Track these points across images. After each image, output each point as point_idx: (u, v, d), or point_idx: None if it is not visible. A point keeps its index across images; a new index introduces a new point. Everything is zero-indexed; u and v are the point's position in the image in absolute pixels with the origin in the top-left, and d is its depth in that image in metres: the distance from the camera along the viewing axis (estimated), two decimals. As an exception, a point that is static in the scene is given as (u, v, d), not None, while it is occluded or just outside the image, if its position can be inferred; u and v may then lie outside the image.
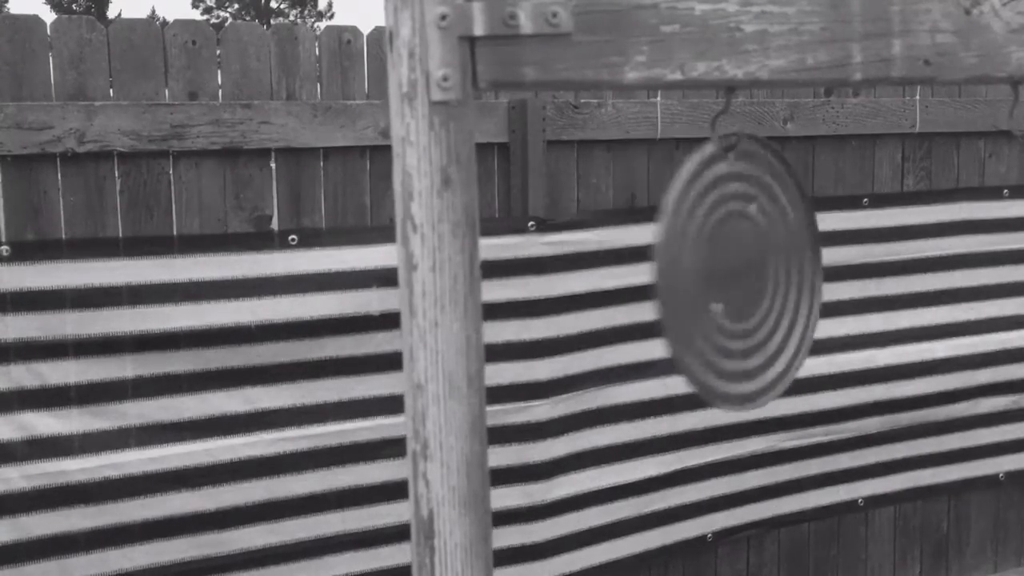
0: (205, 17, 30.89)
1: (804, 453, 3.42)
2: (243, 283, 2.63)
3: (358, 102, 2.83)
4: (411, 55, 0.97)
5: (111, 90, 2.61)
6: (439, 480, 1.00)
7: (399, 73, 0.97)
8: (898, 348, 3.47)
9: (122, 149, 2.58)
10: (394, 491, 2.77)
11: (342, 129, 2.80)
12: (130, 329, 2.54)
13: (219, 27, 2.75)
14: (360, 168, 2.87)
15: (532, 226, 2.92)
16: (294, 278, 2.67)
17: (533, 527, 3.00)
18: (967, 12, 1.09)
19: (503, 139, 3.00)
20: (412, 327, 1.00)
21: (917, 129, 3.57)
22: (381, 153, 2.87)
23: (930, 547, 3.81)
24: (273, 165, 2.76)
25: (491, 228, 2.85)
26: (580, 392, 3.03)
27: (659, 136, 3.19)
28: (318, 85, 2.84)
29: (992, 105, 3.67)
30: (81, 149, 2.54)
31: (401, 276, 1.01)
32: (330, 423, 2.75)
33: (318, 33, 2.89)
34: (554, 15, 0.98)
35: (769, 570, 3.55)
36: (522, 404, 2.93)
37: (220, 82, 2.73)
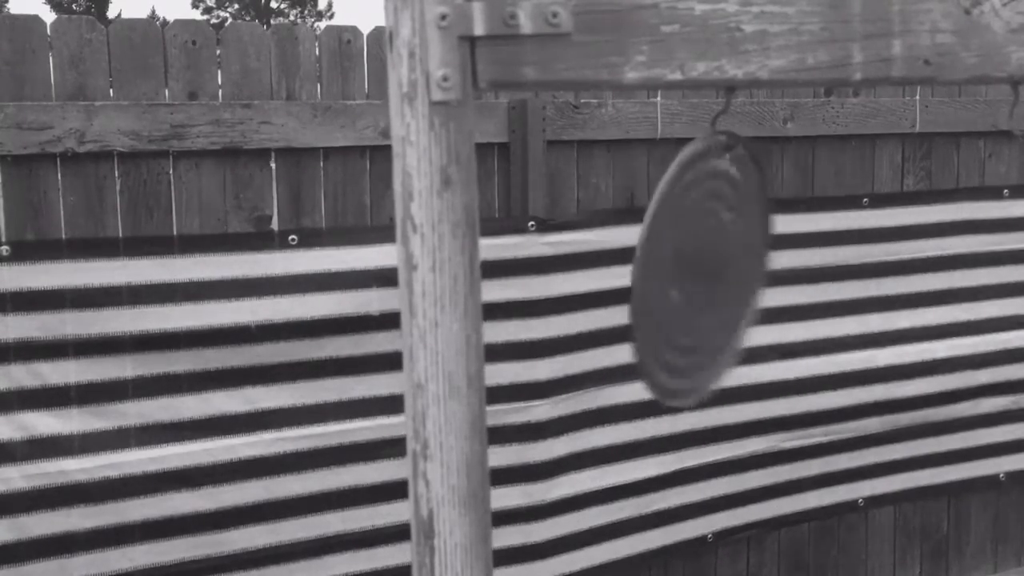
0: (205, 17, 30.89)
1: (804, 453, 3.42)
2: (243, 283, 2.63)
3: (358, 102, 2.83)
4: (411, 55, 0.97)
5: (111, 90, 2.61)
6: (439, 480, 1.00)
7: (399, 73, 0.97)
8: (898, 348, 3.47)
9: (122, 149, 2.58)
10: (394, 491, 2.77)
11: (342, 129, 2.80)
12: (130, 329, 2.54)
13: (219, 27, 2.75)
14: (360, 168, 2.87)
15: (532, 226, 2.92)
16: (294, 278, 2.67)
17: (533, 527, 3.00)
18: (967, 12, 1.09)
19: (503, 139, 3.00)
20: (412, 327, 1.00)
21: (917, 129, 3.57)
22: (381, 153, 2.87)
23: (930, 547, 3.81)
24: (273, 165, 2.76)
25: (491, 228, 2.85)
26: (580, 392, 3.03)
27: (659, 136, 3.19)
28: (318, 85, 2.84)
29: (992, 105, 3.67)
30: (81, 149, 2.54)
31: (401, 276, 1.01)
32: (330, 423, 2.75)
33: (318, 33, 2.89)
34: (554, 15, 0.98)
35: (769, 570, 3.55)
36: (522, 404, 2.93)
37: (220, 82, 2.73)
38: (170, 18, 11.77)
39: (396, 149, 0.99)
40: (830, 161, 3.49)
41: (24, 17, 2.53)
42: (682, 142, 3.58)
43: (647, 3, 1.01)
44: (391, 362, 2.72)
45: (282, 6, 37.30)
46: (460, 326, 1.00)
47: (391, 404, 2.78)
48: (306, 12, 37.24)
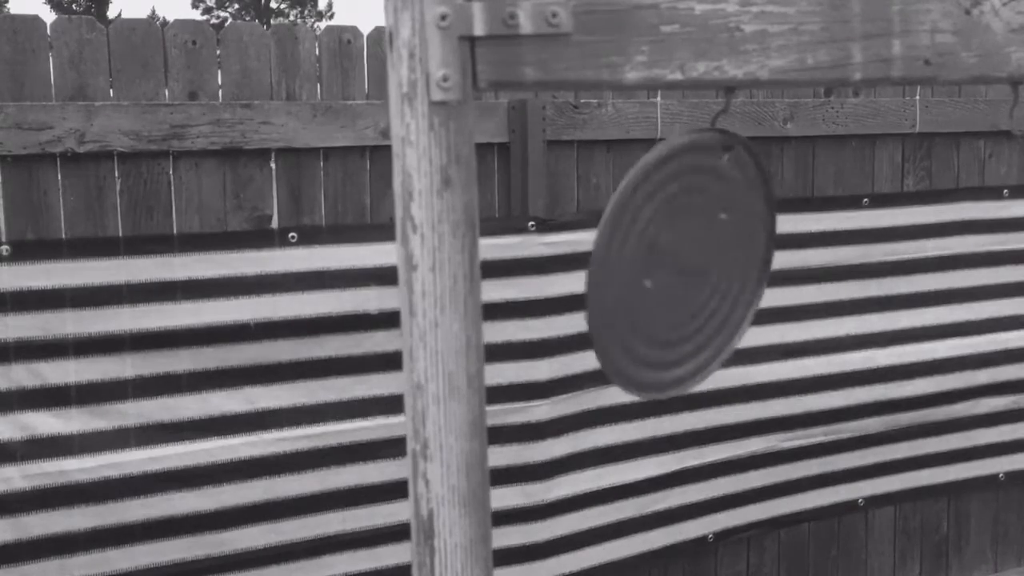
0: (205, 17, 30.89)
1: (804, 453, 3.42)
2: (243, 281, 2.63)
3: (358, 102, 2.83)
4: (411, 55, 0.97)
5: (111, 90, 2.61)
6: (439, 480, 1.00)
7: (399, 73, 0.97)
8: (898, 348, 3.47)
9: (122, 149, 2.58)
10: (394, 491, 2.77)
11: (342, 129, 2.80)
12: (130, 328, 2.54)
13: (219, 27, 2.75)
14: (360, 168, 2.87)
15: (532, 226, 2.92)
16: (294, 276, 2.67)
17: (533, 527, 3.00)
18: (967, 12, 1.09)
19: (503, 139, 3.00)
20: (412, 327, 1.00)
21: (917, 129, 3.57)
22: (381, 153, 2.87)
23: (930, 547, 3.81)
24: (273, 165, 2.76)
25: (491, 228, 2.85)
26: (580, 392, 3.03)
27: (659, 136, 3.19)
28: (318, 85, 2.84)
29: (992, 105, 3.67)
30: (81, 149, 2.54)
31: (401, 276, 1.01)
32: (330, 423, 2.75)
33: (318, 33, 2.89)
34: (554, 15, 0.98)
35: (769, 570, 3.55)
36: (522, 404, 2.93)
37: (220, 82, 2.73)
38: (170, 18, 11.78)
39: (396, 149, 0.99)
40: (830, 161, 3.49)
41: (24, 17, 2.53)
42: (682, 142, 3.53)
43: (647, 3, 1.01)
44: (391, 361, 2.72)
45: (282, 6, 37.30)
46: (460, 326, 1.00)
47: (391, 404, 2.78)
48: (306, 12, 37.24)
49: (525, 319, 2.91)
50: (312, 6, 37.43)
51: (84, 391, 2.53)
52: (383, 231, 2.75)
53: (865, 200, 3.43)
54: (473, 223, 1.00)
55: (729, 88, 1.10)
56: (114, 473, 2.56)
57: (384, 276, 2.72)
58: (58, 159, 2.54)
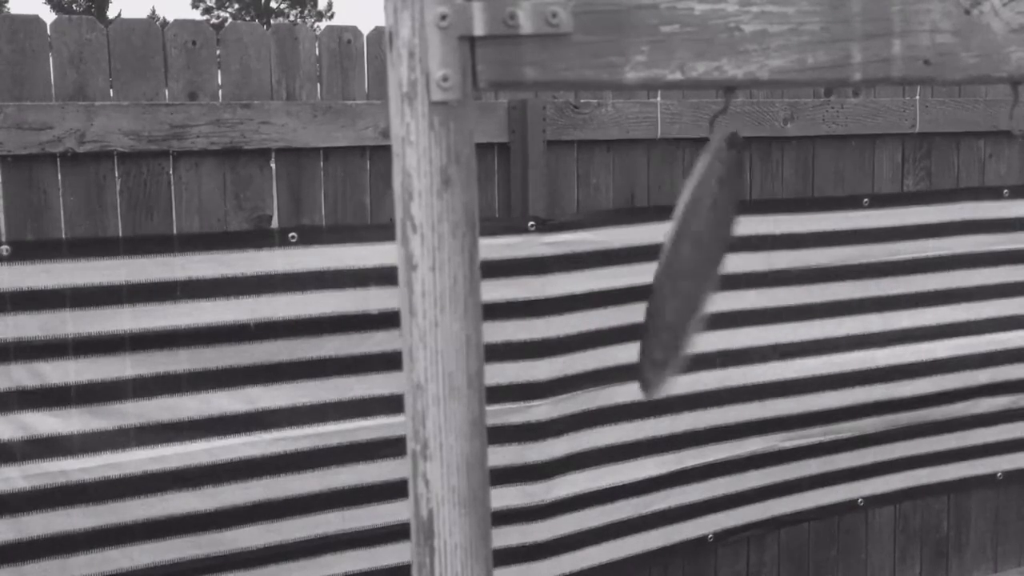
0: (205, 17, 30.88)
1: (804, 453, 3.42)
2: (243, 281, 2.63)
3: (358, 102, 2.83)
4: (411, 55, 0.97)
5: (111, 90, 2.61)
6: (439, 480, 1.00)
7: (399, 73, 0.97)
8: (898, 348, 3.47)
9: (122, 149, 2.58)
10: (394, 491, 2.77)
11: (342, 129, 2.80)
12: (130, 328, 2.54)
13: (219, 27, 2.75)
14: (360, 168, 2.87)
15: (532, 226, 2.92)
16: (294, 276, 2.68)
17: (533, 527, 3.00)
18: (967, 12, 1.09)
19: (503, 139, 3.00)
20: (412, 327, 1.00)
21: (917, 129, 3.57)
22: (381, 153, 2.87)
23: (930, 547, 3.81)
24: (273, 165, 2.76)
25: (491, 228, 2.85)
26: (580, 392, 3.03)
27: (659, 136, 3.19)
28: (318, 85, 2.84)
29: (992, 105, 3.67)
30: (81, 149, 2.54)
31: (401, 276, 1.01)
32: (330, 423, 2.75)
33: (318, 33, 2.89)
34: (554, 15, 0.98)
35: (769, 570, 3.55)
36: (522, 404, 2.93)
37: (220, 82, 2.73)
38: (170, 18, 11.78)
39: (396, 149, 0.99)
40: (830, 161, 3.49)
41: (24, 17, 2.53)
42: (682, 142, 3.58)
43: (647, 3, 1.01)
44: (391, 361, 2.72)
45: (282, 6, 37.31)
46: (460, 326, 1.00)
47: (391, 404, 2.78)
48: (306, 12, 37.25)
49: (525, 319, 2.91)
50: (312, 6, 37.45)
51: (84, 391, 2.53)
52: (383, 231, 2.75)
53: (865, 200, 3.43)
54: (473, 223, 1.00)
55: (729, 88, 1.10)
56: (114, 473, 2.56)
57: (384, 276, 2.72)
58: (58, 159, 2.54)
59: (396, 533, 2.81)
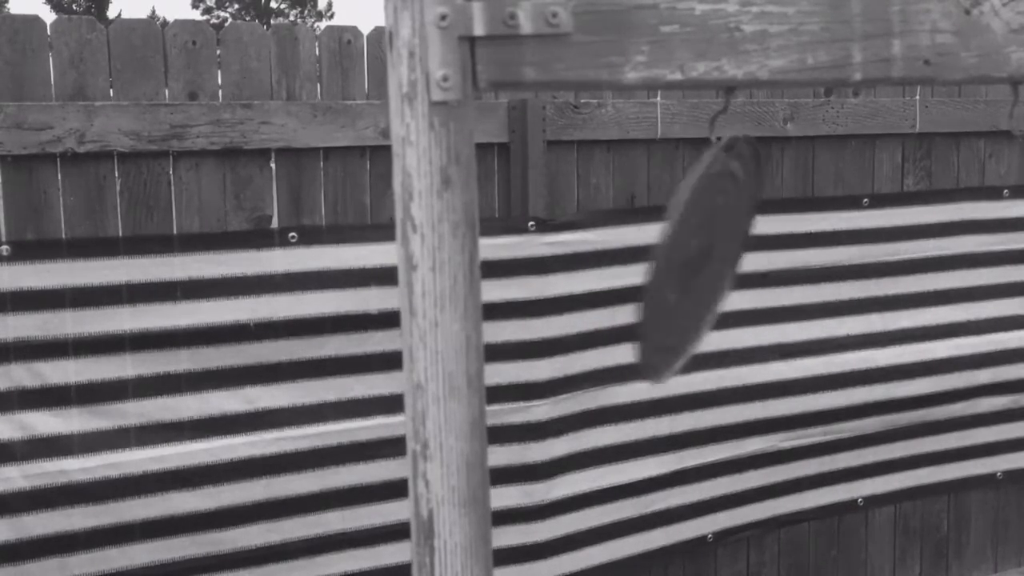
0: (205, 17, 30.89)
1: (804, 453, 3.42)
2: (243, 281, 2.63)
3: (358, 102, 2.83)
4: (411, 55, 0.97)
5: (111, 90, 2.61)
6: (439, 480, 1.00)
7: (399, 73, 0.97)
8: (898, 348, 3.48)
9: (122, 149, 2.58)
10: (394, 491, 2.77)
11: (342, 129, 2.80)
12: (130, 328, 2.54)
13: (219, 27, 2.75)
14: (360, 168, 2.87)
15: (532, 226, 2.92)
16: (294, 276, 2.68)
17: (533, 527, 3.00)
18: (967, 12, 1.09)
19: (503, 139, 3.00)
20: (412, 327, 1.00)
21: (917, 129, 3.57)
22: (381, 153, 2.87)
23: (930, 547, 3.81)
24: (273, 165, 2.76)
25: (491, 228, 2.85)
26: (580, 392, 3.03)
27: (659, 136, 3.19)
28: (318, 85, 2.84)
29: (992, 105, 3.67)
30: (81, 149, 2.54)
31: (401, 276, 1.01)
32: (330, 423, 2.75)
33: (318, 33, 2.89)
34: (554, 15, 0.98)
35: (769, 570, 3.55)
36: (522, 404, 2.93)
37: (220, 82, 2.73)
38: (170, 18, 11.78)
39: (396, 149, 0.99)
40: (830, 161, 3.49)
41: (24, 17, 2.53)
42: (682, 142, 3.58)
43: (647, 3, 1.01)
44: (391, 361, 2.72)
45: (282, 6, 37.31)
46: (460, 326, 1.00)
47: (391, 404, 2.78)
48: (306, 12, 37.25)
49: (525, 319, 2.91)
50: (312, 6, 37.45)
51: (84, 391, 2.53)
52: (383, 231, 2.75)
53: (865, 200, 3.43)
54: (473, 223, 1.00)
55: (729, 88, 1.10)
56: (114, 473, 2.56)
57: (384, 276, 2.72)
58: (58, 159, 2.54)
59: (396, 533, 2.82)
